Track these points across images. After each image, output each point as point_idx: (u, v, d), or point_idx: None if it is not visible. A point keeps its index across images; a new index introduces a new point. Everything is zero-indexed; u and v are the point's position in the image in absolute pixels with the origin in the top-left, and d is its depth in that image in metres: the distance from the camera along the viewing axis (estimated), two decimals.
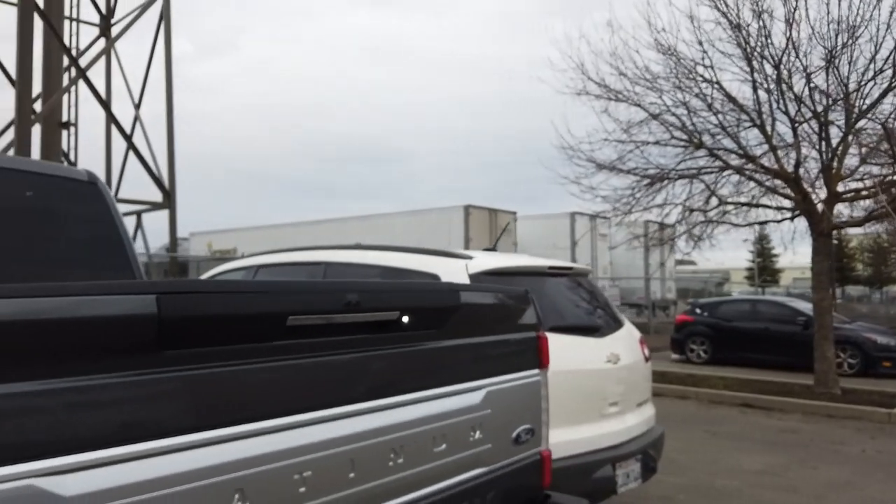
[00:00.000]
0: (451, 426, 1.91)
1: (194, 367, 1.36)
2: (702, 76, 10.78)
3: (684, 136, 11.07)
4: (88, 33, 21.73)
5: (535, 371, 2.32)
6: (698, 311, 16.13)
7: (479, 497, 2.01)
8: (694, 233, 11.32)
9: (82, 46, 18.57)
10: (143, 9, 18.01)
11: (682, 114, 10.87)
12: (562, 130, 12.44)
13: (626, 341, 4.71)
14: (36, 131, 15.42)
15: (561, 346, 4.10)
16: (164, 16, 18.33)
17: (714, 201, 11.33)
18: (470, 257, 4.35)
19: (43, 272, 3.09)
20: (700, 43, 10.47)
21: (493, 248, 5.65)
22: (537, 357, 2.34)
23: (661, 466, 6.37)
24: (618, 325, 4.83)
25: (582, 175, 11.34)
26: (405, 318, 1.73)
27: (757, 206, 11.17)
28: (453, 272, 4.13)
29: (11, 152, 14.39)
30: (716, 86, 10.81)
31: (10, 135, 15.52)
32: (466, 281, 4.02)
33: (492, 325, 2.18)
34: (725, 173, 11.32)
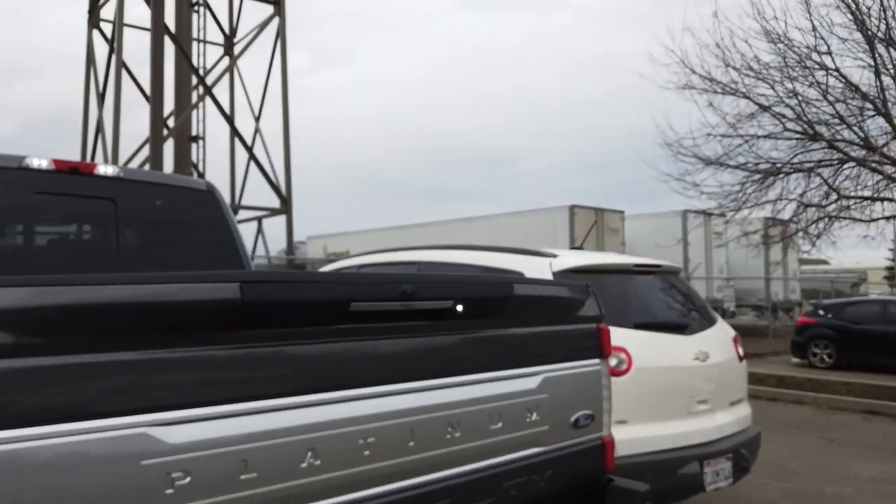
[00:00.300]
0: (506, 407, 2.09)
1: (273, 343, 1.64)
2: (818, 63, 10.22)
3: (798, 128, 10.55)
4: (212, 52, 23.46)
5: (596, 360, 2.44)
6: (822, 312, 15.18)
7: (537, 474, 2.17)
8: (809, 230, 10.75)
9: (208, 65, 20.12)
10: (261, 28, 19.29)
11: (794, 104, 10.37)
12: (664, 127, 12.17)
13: (717, 340, 4.65)
14: (168, 146, 16.91)
15: (645, 343, 4.15)
16: (280, 33, 19.52)
17: (833, 196, 10.72)
18: (554, 255, 4.48)
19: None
20: (814, 29, 9.95)
21: (579, 247, 5.72)
22: (598, 348, 2.47)
23: (768, 471, 6.19)
24: (709, 323, 4.78)
25: (686, 172, 11.07)
26: (459, 307, 1.93)
27: (881, 199, 10.45)
28: (537, 270, 4.28)
29: (147, 166, 15.86)
30: (834, 73, 10.23)
31: (148, 148, 17.12)
32: (549, 278, 4.15)
33: (549, 316, 2.33)
34: (846, 166, 10.67)
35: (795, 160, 10.82)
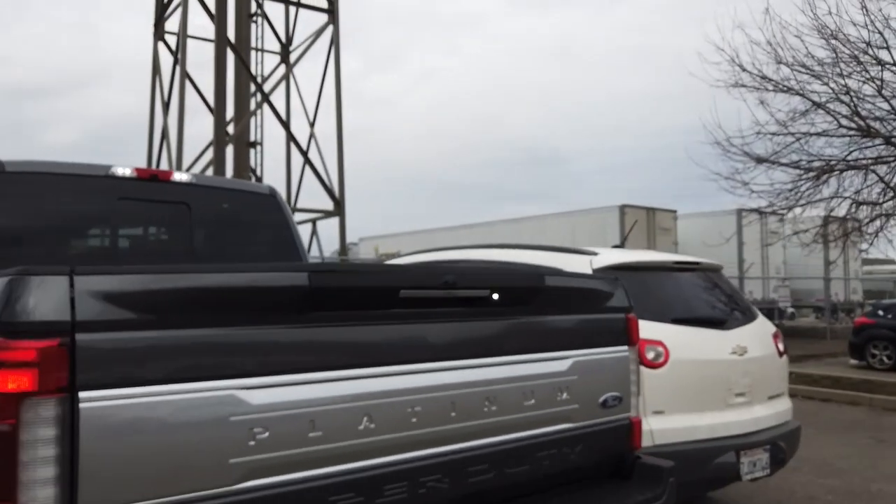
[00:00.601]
0: (538, 385, 2.34)
1: (335, 324, 1.94)
2: (873, 59, 10.05)
3: (853, 125, 10.39)
4: (269, 60, 24.26)
5: (624, 347, 2.67)
6: (881, 313, 14.81)
7: (567, 447, 2.42)
8: (864, 229, 10.57)
9: (265, 73, 20.85)
10: (316, 36, 19.89)
11: (848, 101, 10.22)
12: (712, 126, 12.10)
13: (756, 335, 4.77)
14: (228, 151, 17.65)
15: (683, 337, 4.32)
16: (334, 40, 20.10)
17: (889, 193, 10.52)
18: (595, 253, 4.69)
19: None
20: (870, 23, 9.79)
21: (621, 245, 5.91)
22: (626, 335, 2.70)
23: (814, 468, 6.25)
24: (748, 319, 4.90)
25: (735, 171, 11.02)
26: (495, 296, 2.20)
27: None
28: (578, 267, 4.48)
29: (210, 171, 16.61)
30: (891, 68, 10.04)
31: (208, 154, 17.90)
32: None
33: (579, 305, 2.58)
34: None
35: (850, 157, 10.67)
